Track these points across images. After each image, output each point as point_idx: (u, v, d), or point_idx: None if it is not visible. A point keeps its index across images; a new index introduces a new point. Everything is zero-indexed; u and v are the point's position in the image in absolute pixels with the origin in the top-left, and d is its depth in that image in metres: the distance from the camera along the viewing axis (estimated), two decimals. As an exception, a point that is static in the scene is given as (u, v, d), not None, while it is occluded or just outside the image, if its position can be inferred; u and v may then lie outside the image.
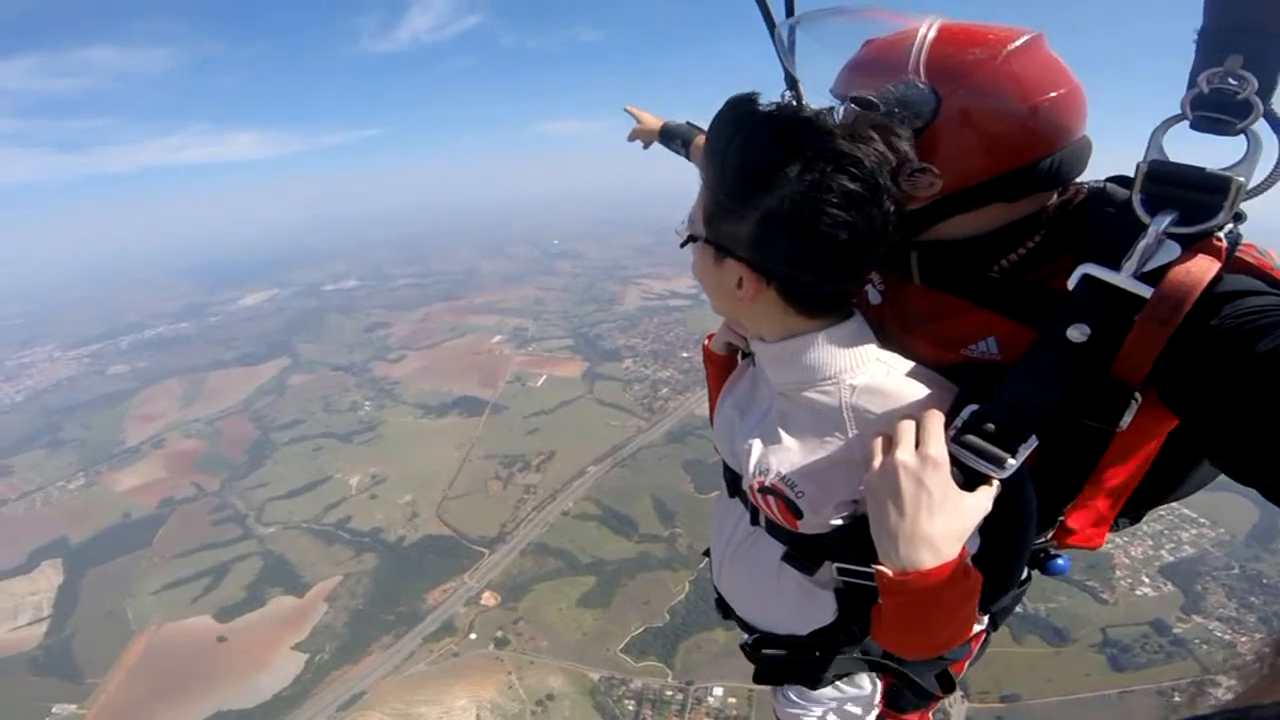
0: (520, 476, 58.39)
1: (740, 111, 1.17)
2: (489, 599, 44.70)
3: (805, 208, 1.10)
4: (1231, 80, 1.01)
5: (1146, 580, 38.73)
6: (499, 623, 42.67)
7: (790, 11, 1.80)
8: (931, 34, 1.23)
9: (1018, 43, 1.18)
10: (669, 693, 36.46)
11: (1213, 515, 41.55)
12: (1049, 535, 1.54)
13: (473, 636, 41.74)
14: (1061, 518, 1.47)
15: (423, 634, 42.33)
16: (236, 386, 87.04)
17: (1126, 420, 1.13)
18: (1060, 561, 1.69)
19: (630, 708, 36.11)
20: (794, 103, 1.43)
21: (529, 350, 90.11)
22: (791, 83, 1.77)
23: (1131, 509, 1.59)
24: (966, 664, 2.05)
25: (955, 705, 33.18)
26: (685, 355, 77.02)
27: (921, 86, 1.20)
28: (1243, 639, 33.28)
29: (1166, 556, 40.11)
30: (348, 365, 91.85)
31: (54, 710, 38.53)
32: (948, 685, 1.87)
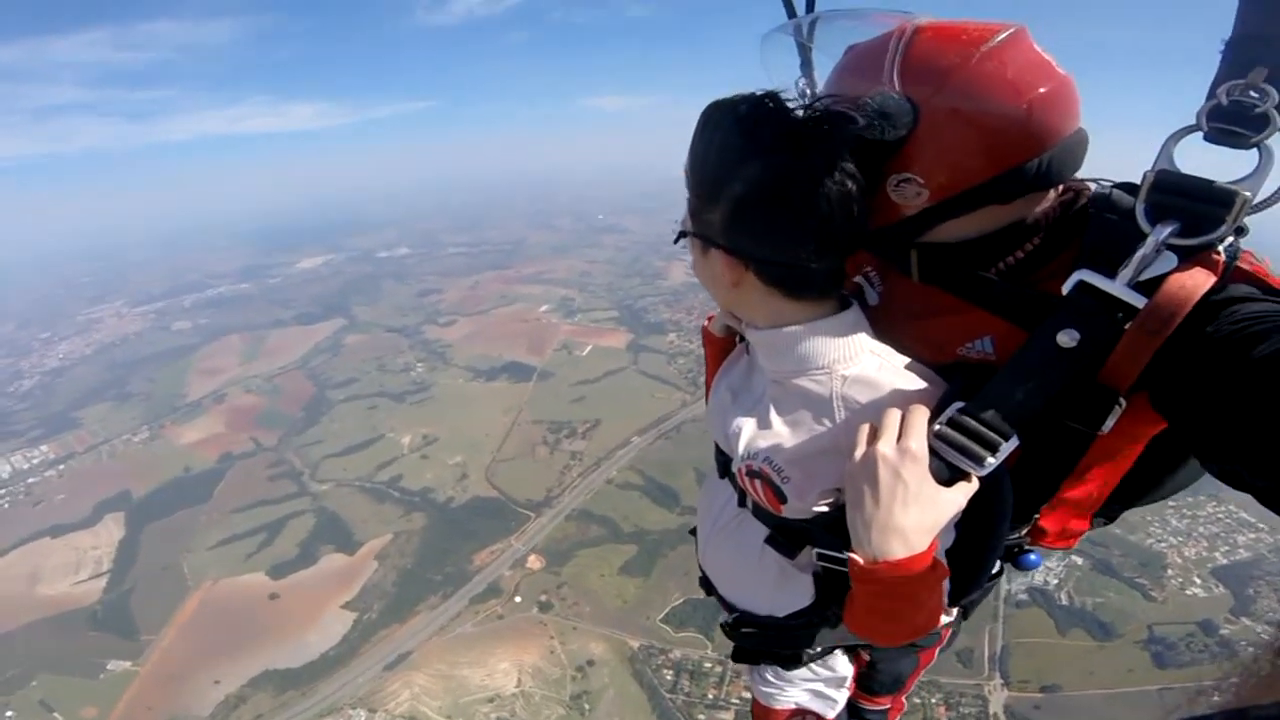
0: (566, 443, 58.79)
1: (713, 106, 1.23)
2: (534, 563, 45.17)
3: (765, 188, 1.18)
4: (1253, 93, 1.02)
5: (1198, 580, 37.90)
6: (543, 586, 43.13)
7: (811, 6, 1.77)
8: (906, 38, 1.22)
9: (995, 41, 1.15)
10: (708, 664, 36.39)
11: (1271, 520, 39.35)
12: (1023, 532, 1.54)
13: (518, 600, 42.29)
14: (1037, 516, 1.48)
15: (469, 595, 43.04)
16: (295, 345, 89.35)
17: (1109, 424, 1.15)
18: (1032, 557, 1.69)
19: (669, 677, 36.24)
20: (806, 88, 1.43)
21: (575, 320, 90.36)
22: (806, 68, 1.68)
23: (1107, 510, 1.57)
24: (936, 651, 2.11)
25: (995, 693, 33.16)
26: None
27: (896, 96, 1.18)
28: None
29: (1220, 559, 39.04)
30: (401, 327, 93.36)
31: (109, 667, 39.44)
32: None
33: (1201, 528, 40.68)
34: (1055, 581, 37.92)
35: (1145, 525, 40.16)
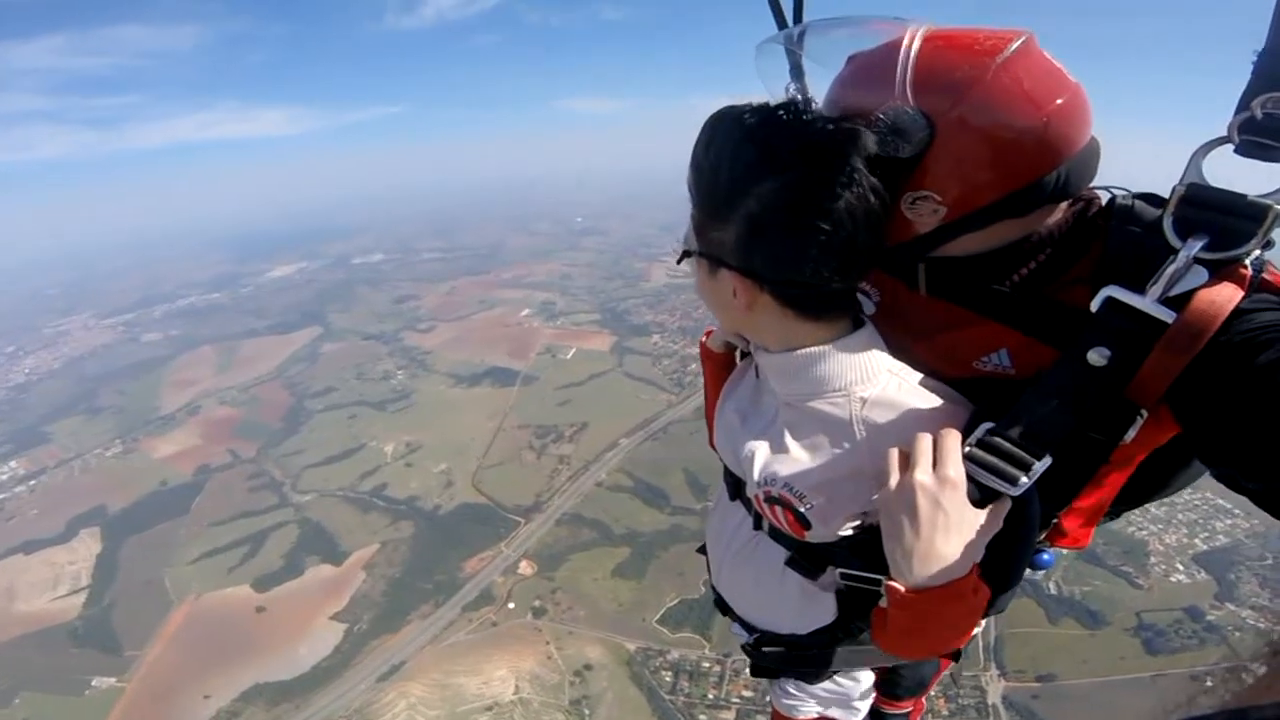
0: (554, 447, 58.42)
1: (716, 118, 1.19)
2: (526, 568, 44.73)
3: (782, 206, 1.13)
4: None
5: (1181, 567, 38.47)
6: (536, 592, 42.72)
7: (799, 13, 1.73)
8: (915, 48, 1.17)
9: (1008, 51, 1.12)
10: (706, 664, 36.27)
11: (1247, 506, 39.42)
12: (1042, 536, 1.55)
13: (511, 606, 41.83)
14: (1055, 520, 1.49)
15: (461, 603, 42.47)
16: (270, 354, 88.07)
17: (1131, 435, 1.15)
18: (1045, 556, 1.69)
19: (668, 679, 36.05)
20: (799, 95, 1.30)
21: (558, 323, 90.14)
22: (797, 74, 1.55)
23: (1114, 509, 1.60)
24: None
25: (992, 684, 33.28)
26: (714, 332, 78.05)
27: (911, 112, 1.14)
28: (1278, 627, 33.69)
29: (1200, 545, 39.67)
30: (379, 334, 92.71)
31: (93, 683, 38.57)
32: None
33: (1180, 515, 41.26)
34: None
35: (1125, 513, 40.84)
